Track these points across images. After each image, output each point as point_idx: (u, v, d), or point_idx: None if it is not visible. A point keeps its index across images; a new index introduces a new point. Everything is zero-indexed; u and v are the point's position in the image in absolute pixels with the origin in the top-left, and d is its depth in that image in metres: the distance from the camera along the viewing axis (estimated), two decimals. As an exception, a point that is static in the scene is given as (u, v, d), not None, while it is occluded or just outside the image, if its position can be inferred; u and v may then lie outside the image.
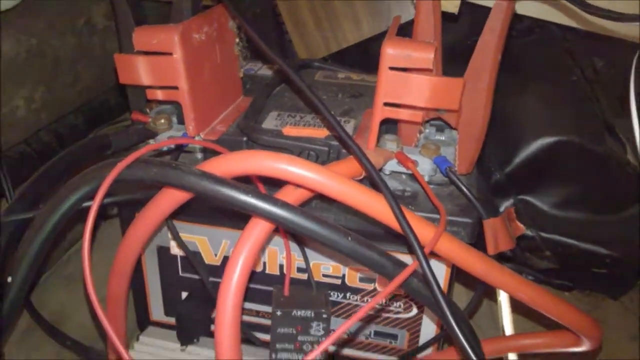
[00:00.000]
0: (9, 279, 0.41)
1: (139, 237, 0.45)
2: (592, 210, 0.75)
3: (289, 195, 0.41)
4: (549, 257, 0.79)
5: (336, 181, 0.39)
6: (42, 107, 0.70)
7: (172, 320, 0.59)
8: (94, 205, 0.38)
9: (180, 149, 0.53)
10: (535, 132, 0.74)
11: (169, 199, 0.42)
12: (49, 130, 0.72)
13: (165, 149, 0.53)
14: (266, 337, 0.57)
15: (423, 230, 0.41)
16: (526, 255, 0.80)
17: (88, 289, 0.37)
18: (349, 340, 0.58)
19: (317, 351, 0.37)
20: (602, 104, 0.72)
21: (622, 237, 0.74)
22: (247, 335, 0.58)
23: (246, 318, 0.58)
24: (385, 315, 0.56)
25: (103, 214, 0.77)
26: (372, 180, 0.41)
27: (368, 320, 0.56)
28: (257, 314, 0.58)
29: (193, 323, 0.55)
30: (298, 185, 0.40)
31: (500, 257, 0.80)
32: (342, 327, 0.36)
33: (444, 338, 0.55)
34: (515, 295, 0.43)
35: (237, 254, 0.40)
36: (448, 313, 0.39)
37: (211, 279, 0.53)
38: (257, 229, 0.40)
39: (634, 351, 0.72)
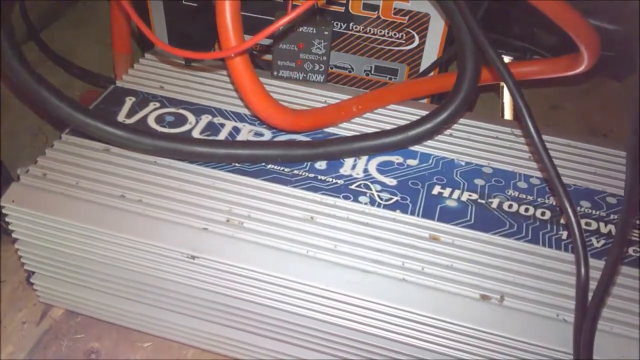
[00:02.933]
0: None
1: None
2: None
3: None
4: (556, 34, 0.78)
5: None
6: None
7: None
8: None
9: None
10: None
11: None
12: None
13: None
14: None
15: None
16: (534, 32, 0.79)
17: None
18: (349, 76, 0.59)
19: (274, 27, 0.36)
20: None
21: (629, 13, 0.72)
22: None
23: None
24: (386, 47, 0.56)
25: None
26: None
27: (369, 54, 0.57)
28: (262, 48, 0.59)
29: (196, 39, 0.56)
30: None
31: (509, 32, 0.79)
32: None
33: (444, 63, 0.55)
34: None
35: None
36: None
37: None
38: None
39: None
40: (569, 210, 0.33)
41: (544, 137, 0.36)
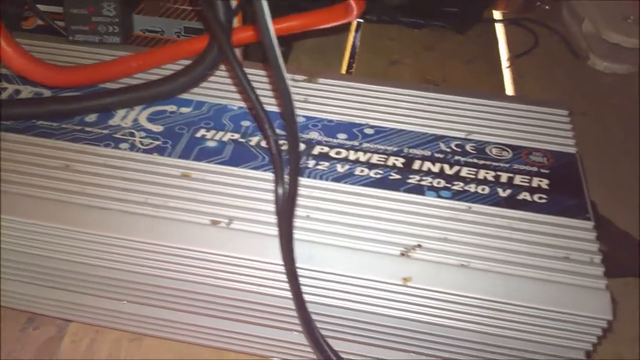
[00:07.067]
0: None
1: None
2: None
3: None
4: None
5: None
6: None
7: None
8: None
9: None
10: None
11: None
12: None
13: None
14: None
15: None
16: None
17: None
18: (162, 39, 0.60)
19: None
20: None
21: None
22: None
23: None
24: (190, 8, 0.58)
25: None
26: None
27: (175, 15, 0.59)
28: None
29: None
30: None
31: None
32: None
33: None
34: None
35: None
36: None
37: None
38: None
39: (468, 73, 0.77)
40: (268, 131, 0.36)
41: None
